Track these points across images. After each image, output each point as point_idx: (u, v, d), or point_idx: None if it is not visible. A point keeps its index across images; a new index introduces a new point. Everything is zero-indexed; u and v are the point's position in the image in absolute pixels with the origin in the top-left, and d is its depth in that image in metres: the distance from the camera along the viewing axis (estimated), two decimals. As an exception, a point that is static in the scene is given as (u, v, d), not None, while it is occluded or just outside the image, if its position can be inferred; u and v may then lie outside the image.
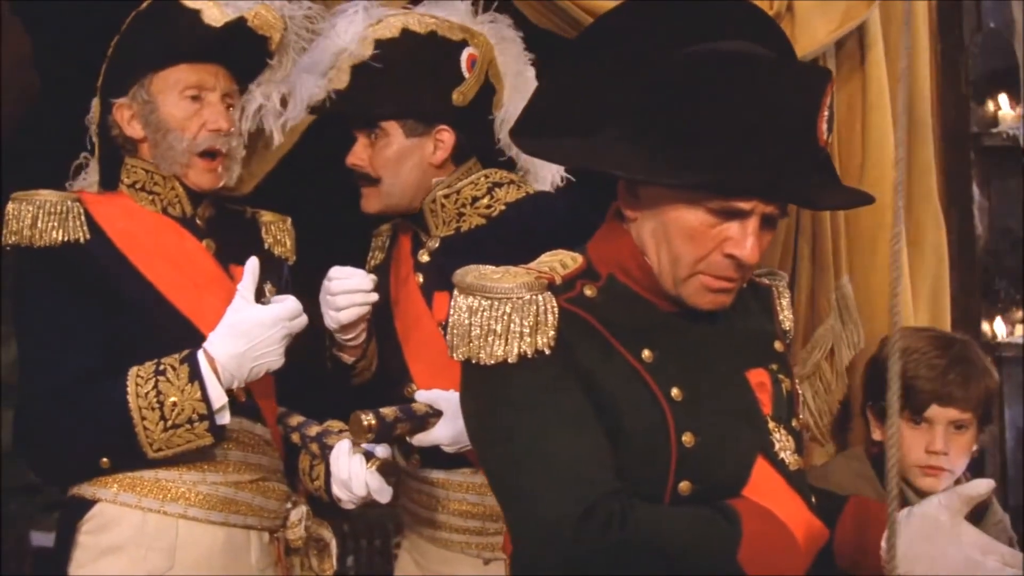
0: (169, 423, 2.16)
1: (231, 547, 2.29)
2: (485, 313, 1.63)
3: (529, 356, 1.62)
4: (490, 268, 1.69)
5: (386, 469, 2.24)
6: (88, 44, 2.46)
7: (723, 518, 1.63)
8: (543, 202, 2.47)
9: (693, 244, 1.66)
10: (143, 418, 2.16)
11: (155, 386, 2.17)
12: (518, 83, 2.55)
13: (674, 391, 1.67)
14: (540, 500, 1.60)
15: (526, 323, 1.62)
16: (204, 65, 2.32)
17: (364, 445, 2.25)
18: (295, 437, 2.39)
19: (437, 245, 2.48)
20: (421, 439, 2.28)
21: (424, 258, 2.48)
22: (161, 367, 2.19)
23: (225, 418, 2.20)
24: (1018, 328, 3.07)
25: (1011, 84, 3.11)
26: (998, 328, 3.09)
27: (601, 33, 1.77)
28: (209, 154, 2.33)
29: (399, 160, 2.43)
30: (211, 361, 2.18)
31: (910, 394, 2.40)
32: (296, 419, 2.41)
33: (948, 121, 3.07)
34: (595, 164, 1.70)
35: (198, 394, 2.16)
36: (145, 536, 2.24)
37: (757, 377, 1.78)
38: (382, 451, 2.25)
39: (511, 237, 2.37)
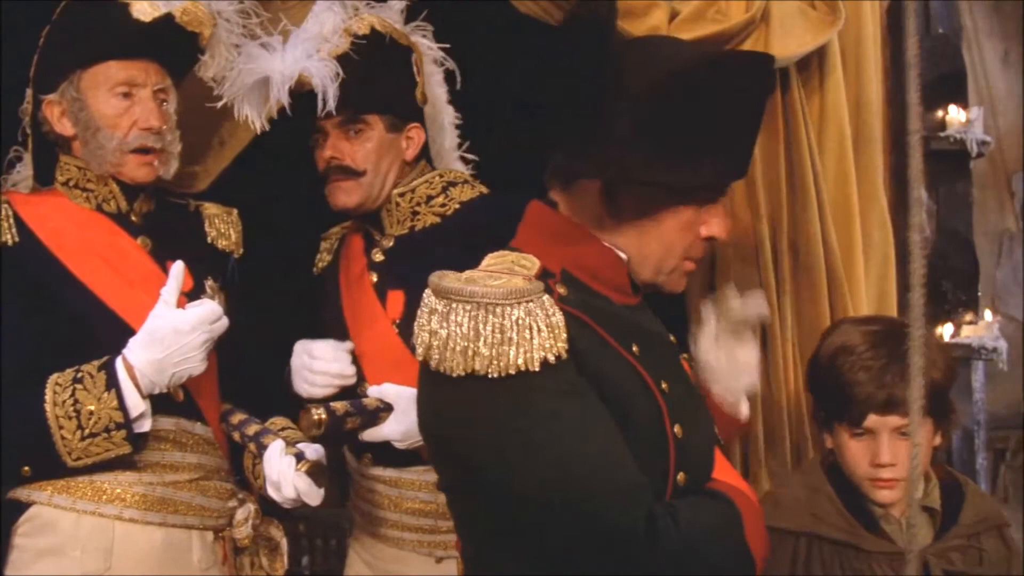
0: (86, 432, 2.13)
1: (170, 547, 2.27)
2: (496, 321, 1.55)
3: (551, 361, 1.56)
4: (475, 273, 1.63)
5: (315, 471, 2.21)
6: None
7: (724, 503, 1.67)
8: (503, 204, 2.46)
9: (685, 234, 1.73)
10: (60, 427, 2.14)
11: (72, 394, 2.14)
12: (436, 93, 2.62)
13: (663, 383, 1.70)
14: (605, 508, 1.55)
15: (542, 326, 1.57)
16: (134, 61, 2.28)
17: (299, 445, 2.23)
18: (236, 436, 2.37)
19: (391, 244, 2.48)
20: (372, 434, 2.27)
21: (378, 257, 2.49)
22: (79, 375, 2.15)
23: (144, 426, 2.18)
24: (964, 329, 3.10)
25: (959, 88, 3.15)
26: (944, 330, 3.12)
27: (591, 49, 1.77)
28: (142, 150, 2.30)
29: (380, 154, 2.44)
30: (129, 369, 2.14)
31: (847, 403, 2.16)
32: (238, 417, 2.39)
33: (897, 125, 3.10)
34: (628, 176, 1.67)
35: (115, 402, 2.13)
36: (80, 538, 2.21)
37: (683, 364, 1.86)
38: (312, 453, 2.23)
39: (471, 236, 2.36)
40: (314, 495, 2.20)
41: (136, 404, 2.14)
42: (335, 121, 2.43)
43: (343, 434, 2.27)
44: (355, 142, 2.43)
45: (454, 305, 1.56)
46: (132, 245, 2.33)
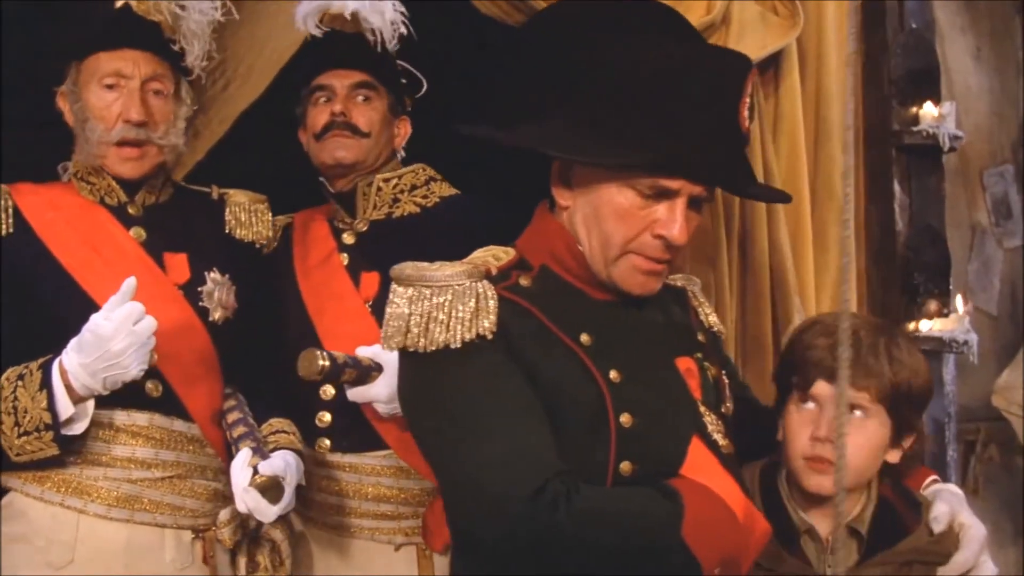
0: (21, 429, 2.12)
1: (137, 545, 2.23)
2: (426, 302, 1.66)
3: (471, 341, 1.65)
4: (426, 263, 1.71)
5: (266, 487, 2.14)
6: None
7: (663, 496, 1.67)
8: (490, 208, 2.48)
9: (624, 224, 1.72)
10: (1, 422, 2.13)
11: (14, 391, 2.12)
12: None
13: (612, 373, 1.72)
14: (489, 480, 1.61)
15: (467, 309, 1.66)
16: (122, 52, 2.27)
17: (273, 455, 2.20)
18: (228, 436, 2.31)
19: (366, 228, 2.51)
20: (359, 394, 2.27)
21: (349, 239, 2.51)
22: (24, 371, 2.14)
23: (76, 429, 2.14)
24: (936, 322, 3.12)
25: (931, 84, 3.17)
26: (920, 324, 3.13)
27: (538, 31, 1.85)
28: (124, 143, 2.27)
29: (382, 126, 2.49)
30: (63, 372, 2.11)
31: (799, 367, 1.99)
32: (233, 416, 2.31)
33: (870, 120, 3.12)
34: (539, 146, 1.74)
35: (44, 403, 2.10)
36: (45, 528, 2.20)
37: (684, 364, 1.85)
38: (267, 468, 2.16)
39: (450, 231, 2.41)
40: (264, 512, 2.15)
41: (65, 407, 2.11)
42: (348, 82, 2.47)
43: (340, 382, 2.26)
44: (363, 107, 2.47)
45: (398, 289, 1.70)
46: (125, 237, 2.30)
